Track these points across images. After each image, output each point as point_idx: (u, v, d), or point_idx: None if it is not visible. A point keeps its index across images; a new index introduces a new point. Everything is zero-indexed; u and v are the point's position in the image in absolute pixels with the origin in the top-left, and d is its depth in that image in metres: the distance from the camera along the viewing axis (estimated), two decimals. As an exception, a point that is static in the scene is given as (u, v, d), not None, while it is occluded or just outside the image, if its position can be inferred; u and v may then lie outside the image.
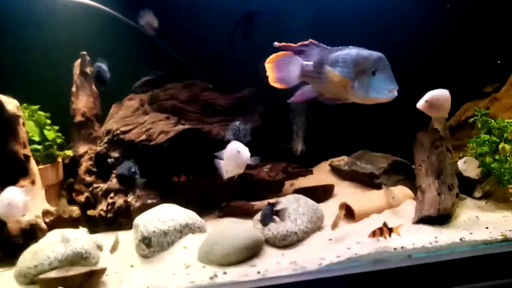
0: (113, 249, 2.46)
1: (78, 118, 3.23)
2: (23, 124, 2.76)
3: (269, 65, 2.16)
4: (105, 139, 3.01)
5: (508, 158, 2.80)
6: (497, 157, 2.84)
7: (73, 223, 2.72)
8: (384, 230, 2.32)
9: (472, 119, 3.08)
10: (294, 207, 2.62)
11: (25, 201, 2.30)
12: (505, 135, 2.89)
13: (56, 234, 2.40)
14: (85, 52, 3.25)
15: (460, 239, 2.36)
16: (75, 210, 2.78)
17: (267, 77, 2.17)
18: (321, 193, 3.16)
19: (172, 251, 2.45)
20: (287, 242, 2.48)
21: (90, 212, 2.86)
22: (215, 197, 3.03)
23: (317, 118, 3.04)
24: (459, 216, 2.69)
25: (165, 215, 2.55)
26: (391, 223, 2.39)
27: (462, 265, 2.19)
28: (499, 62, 3.50)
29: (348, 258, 2.24)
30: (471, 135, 3.11)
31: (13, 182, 2.50)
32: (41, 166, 2.93)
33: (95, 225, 2.83)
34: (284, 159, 3.27)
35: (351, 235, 2.50)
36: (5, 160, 2.63)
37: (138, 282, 2.19)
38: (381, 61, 2.03)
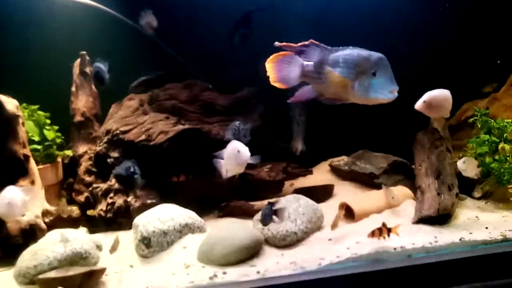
0: (113, 249, 2.46)
1: (78, 118, 3.23)
2: (23, 124, 2.76)
3: (270, 65, 2.16)
4: (105, 139, 3.01)
5: (507, 158, 2.80)
6: (496, 157, 2.84)
7: (72, 223, 2.72)
8: (383, 230, 2.32)
9: (472, 119, 3.09)
10: (294, 207, 2.62)
11: (25, 201, 2.30)
12: (504, 135, 2.90)
13: (55, 234, 2.40)
14: (84, 52, 3.25)
15: (460, 239, 2.36)
16: (75, 210, 2.78)
17: (268, 77, 2.17)
18: (321, 193, 3.16)
19: (172, 251, 2.45)
20: (286, 242, 2.48)
21: (89, 212, 2.86)
22: (215, 197, 3.03)
23: (317, 118, 3.04)
24: (459, 216, 2.69)
25: (164, 215, 2.54)
26: (391, 223, 2.39)
27: (461, 265, 2.19)
28: (498, 62, 3.50)
29: (348, 258, 2.24)
30: (471, 135, 3.11)
31: (13, 182, 2.50)
32: (40, 166, 2.93)
33: (95, 225, 2.83)
34: (284, 159, 3.27)
35: (350, 235, 2.50)
36: (5, 160, 2.62)
37: (137, 282, 2.19)
38: (381, 62, 2.03)
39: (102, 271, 2.22)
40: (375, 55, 2.04)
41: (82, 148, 3.18)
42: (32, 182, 2.68)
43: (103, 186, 2.91)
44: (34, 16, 3.29)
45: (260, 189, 3.12)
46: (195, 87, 3.24)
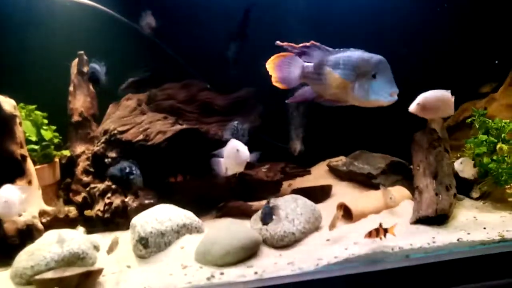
0: (110, 249, 2.45)
1: (76, 118, 3.22)
2: (20, 124, 2.75)
3: (270, 66, 2.17)
4: (102, 139, 3.00)
5: (505, 158, 2.80)
6: (494, 157, 2.84)
7: (70, 223, 2.71)
8: (380, 231, 2.32)
9: (469, 119, 3.09)
10: (292, 208, 2.61)
11: (22, 199, 2.30)
12: (502, 135, 2.90)
13: (52, 235, 2.39)
14: (82, 52, 3.24)
15: (458, 240, 2.36)
16: (72, 211, 2.77)
17: (267, 77, 2.17)
18: (319, 194, 3.16)
19: (169, 251, 2.44)
20: (284, 243, 2.47)
21: (87, 213, 2.85)
22: (213, 197, 3.03)
23: (315, 119, 3.03)
24: (457, 217, 2.69)
25: (162, 216, 2.54)
26: (388, 223, 2.39)
27: (459, 265, 2.19)
28: (496, 62, 3.50)
29: (346, 258, 2.23)
30: (469, 135, 3.11)
31: (10, 182, 2.47)
32: (38, 166, 2.92)
33: (92, 225, 2.83)
34: (282, 159, 3.26)
35: (348, 235, 2.50)
36: (2, 160, 2.61)
37: (135, 283, 2.18)
38: (382, 64, 2.03)
39: (99, 271, 2.21)
40: (376, 57, 2.04)
41: (79, 148, 3.18)
42: (29, 182, 2.67)
43: (101, 186, 2.90)
44: (31, 16, 3.28)
45: (258, 189, 3.12)
46: (193, 87, 3.24)
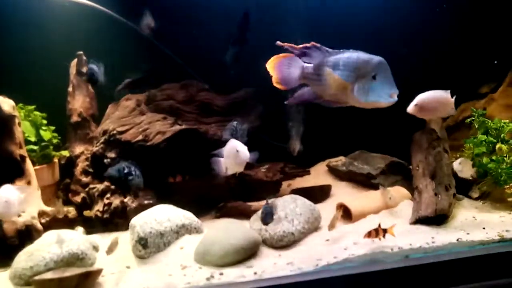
0: (110, 250, 2.45)
1: (75, 118, 3.22)
2: (19, 124, 2.75)
3: (270, 66, 2.17)
4: (102, 140, 3.00)
5: (505, 158, 2.80)
6: (494, 157, 2.84)
7: (69, 224, 2.70)
8: (379, 231, 2.32)
9: (469, 120, 3.09)
10: (291, 208, 2.61)
11: (21, 200, 2.30)
12: (502, 135, 2.90)
13: (52, 235, 2.39)
14: (81, 52, 3.24)
15: (457, 240, 2.36)
16: (71, 211, 2.77)
17: (267, 77, 2.18)
18: (318, 194, 3.16)
19: (169, 252, 2.44)
20: (284, 243, 2.47)
21: (86, 213, 2.85)
22: (212, 198, 3.03)
23: (314, 119, 3.03)
24: (456, 217, 2.69)
25: (161, 216, 2.54)
26: (388, 223, 2.39)
27: (459, 265, 2.19)
28: (495, 62, 3.50)
29: (345, 258, 2.23)
30: (468, 135, 3.11)
31: (9, 182, 2.47)
32: (37, 167, 2.92)
33: (92, 225, 2.82)
34: (282, 159, 3.26)
35: (348, 235, 2.50)
36: (1, 161, 2.61)
37: (134, 283, 2.18)
38: (381, 65, 2.03)
39: (98, 272, 2.21)
40: (376, 58, 2.04)
41: (78, 149, 3.17)
42: (29, 183, 2.67)
43: (100, 186, 2.90)
44: (31, 16, 3.28)
45: (258, 189, 3.12)
46: (192, 87, 3.24)
